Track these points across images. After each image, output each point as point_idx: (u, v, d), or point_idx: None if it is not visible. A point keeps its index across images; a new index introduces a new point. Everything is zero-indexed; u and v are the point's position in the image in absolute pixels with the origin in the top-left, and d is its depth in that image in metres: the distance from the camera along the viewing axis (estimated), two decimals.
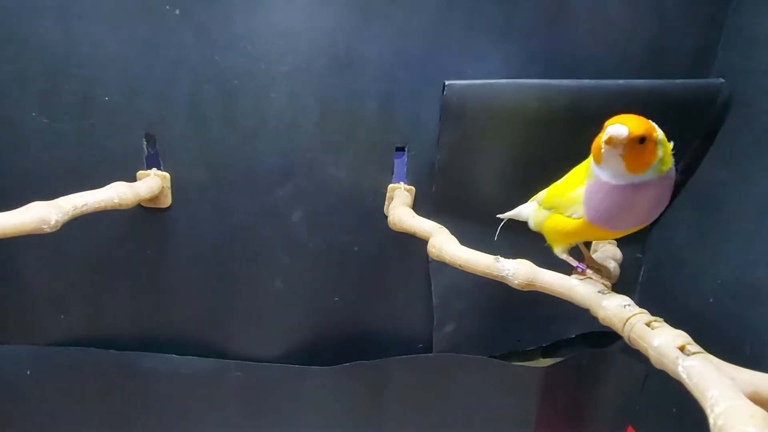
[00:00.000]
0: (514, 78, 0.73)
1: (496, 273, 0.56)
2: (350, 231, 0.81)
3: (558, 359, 0.88)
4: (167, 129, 0.74)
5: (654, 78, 0.72)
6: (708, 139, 0.76)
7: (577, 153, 0.53)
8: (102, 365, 0.81)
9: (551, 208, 0.57)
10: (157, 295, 0.81)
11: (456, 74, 0.72)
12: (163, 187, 0.75)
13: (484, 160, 0.75)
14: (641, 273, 0.87)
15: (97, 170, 0.73)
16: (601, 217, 0.50)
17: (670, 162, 0.48)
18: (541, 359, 0.91)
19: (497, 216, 0.68)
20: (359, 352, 0.85)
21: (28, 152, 0.72)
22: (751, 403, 0.33)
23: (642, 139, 0.46)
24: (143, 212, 0.77)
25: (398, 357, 0.84)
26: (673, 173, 0.49)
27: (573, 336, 0.89)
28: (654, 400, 0.86)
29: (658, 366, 0.42)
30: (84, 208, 0.61)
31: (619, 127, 0.45)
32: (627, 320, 0.46)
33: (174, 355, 0.82)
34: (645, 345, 0.43)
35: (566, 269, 0.55)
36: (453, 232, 0.66)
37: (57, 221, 0.56)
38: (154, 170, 0.74)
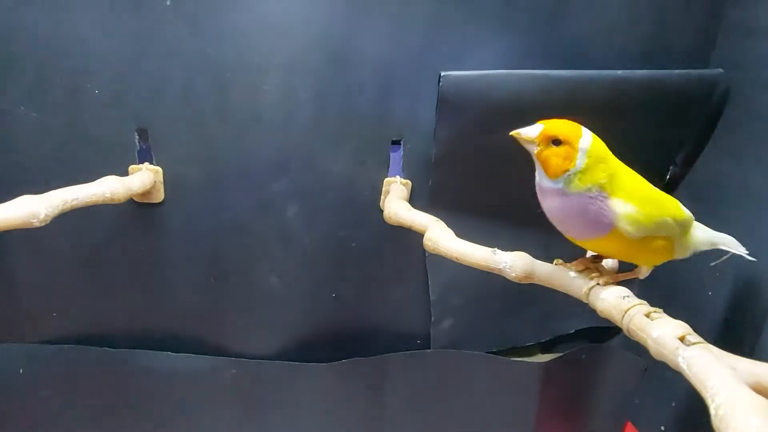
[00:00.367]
0: (511, 69, 0.72)
1: (493, 265, 0.56)
2: (346, 226, 0.80)
3: (556, 354, 0.88)
4: (159, 123, 0.73)
5: (653, 69, 0.72)
6: (707, 130, 0.76)
7: None
8: (96, 363, 0.80)
9: None
10: (151, 291, 0.81)
11: (453, 66, 0.71)
12: (155, 181, 0.74)
13: (481, 152, 0.74)
14: None
15: (87, 165, 0.72)
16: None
17: (595, 182, 0.45)
18: (540, 355, 0.91)
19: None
20: (356, 349, 0.84)
21: (17, 146, 0.72)
22: (753, 393, 0.32)
23: (556, 141, 0.45)
24: (136, 207, 0.76)
25: (396, 353, 0.83)
26: (600, 200, 0.45)
27: (571, 331, 0.89)
28: (653, 395, 0.86)
29: (657, 357, 0.41)
30: (74, 203, 0.60)
31: (535, 126, 0.46)
32: (626, 311, 0.45)
33: (169, 353, 0.81)
34: (644, 336, 0.42)
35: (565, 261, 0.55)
36: (449, 226, 0.65)
37: (46, 215, 0.55)
38: (146, 164, 0.74)
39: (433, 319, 0.84)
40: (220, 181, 0.76)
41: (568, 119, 0.47)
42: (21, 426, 0.83)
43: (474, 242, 0.60)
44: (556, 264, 0.53)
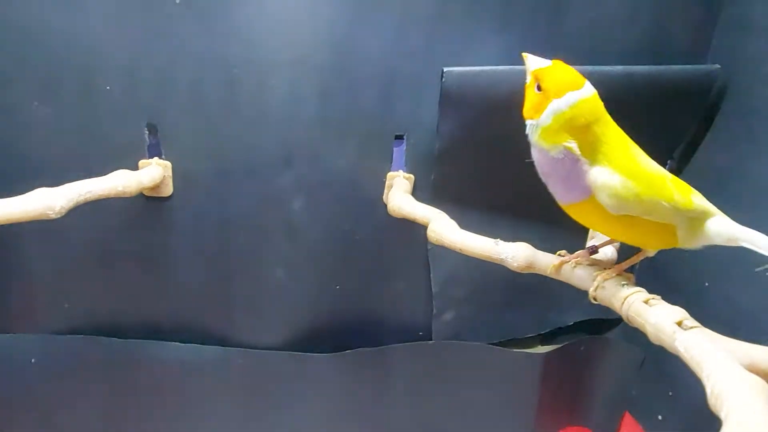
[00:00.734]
0: (513, 65, 0.73)
1: (495, 256, 0.57)
2: (351, 219, 0.82)
3: (556, 346, 0.89)
4: (168, 118, 0.74)
5: (651, 64, 0.73)
6: (705, 124, 0.77)
7: None
8: (105, 353, 0.82)
9: None
10: (159, 283, 0.82)
11: (455, 62, 0.72)
12: (164, 176, 0.75)
13: (483, 147, 0.76)
14: None
15: (98, 160, 0.73)
16: None
17: (557, 143, 0.44)
18: (540, 346, 0.92)
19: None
20: (360, 340, 0.86)
21: (30, 141, 0.73)
22: (748, 372, 0.33)
23: (539, 87, 0.46)
24: (145, 201, 0.77)
25: (399, 344, 0.85)
26: (570, 163, 0.44)
27: (571, 323, 0.90)
28: (650, 385, 0.87)
29: (656, 342, 0.42)
30: (88, 196, 0.61)
31: (544, 61, 0.47)
32: (625, 299, 0.46)
33: (177, 343, 0.82)
34: (642, 322, 0.44)
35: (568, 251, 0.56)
36: (452, 219, 0.67)
37: (62, 207, 0.56)
38: (155, 159, 0.75)
39: (435, 311, 0.86)
40: (227, 176, 0.77)
41: None
42: (33, 414, 0.84)
43: (476, 234, 0.61)
44: (558, 255, 0.55)
